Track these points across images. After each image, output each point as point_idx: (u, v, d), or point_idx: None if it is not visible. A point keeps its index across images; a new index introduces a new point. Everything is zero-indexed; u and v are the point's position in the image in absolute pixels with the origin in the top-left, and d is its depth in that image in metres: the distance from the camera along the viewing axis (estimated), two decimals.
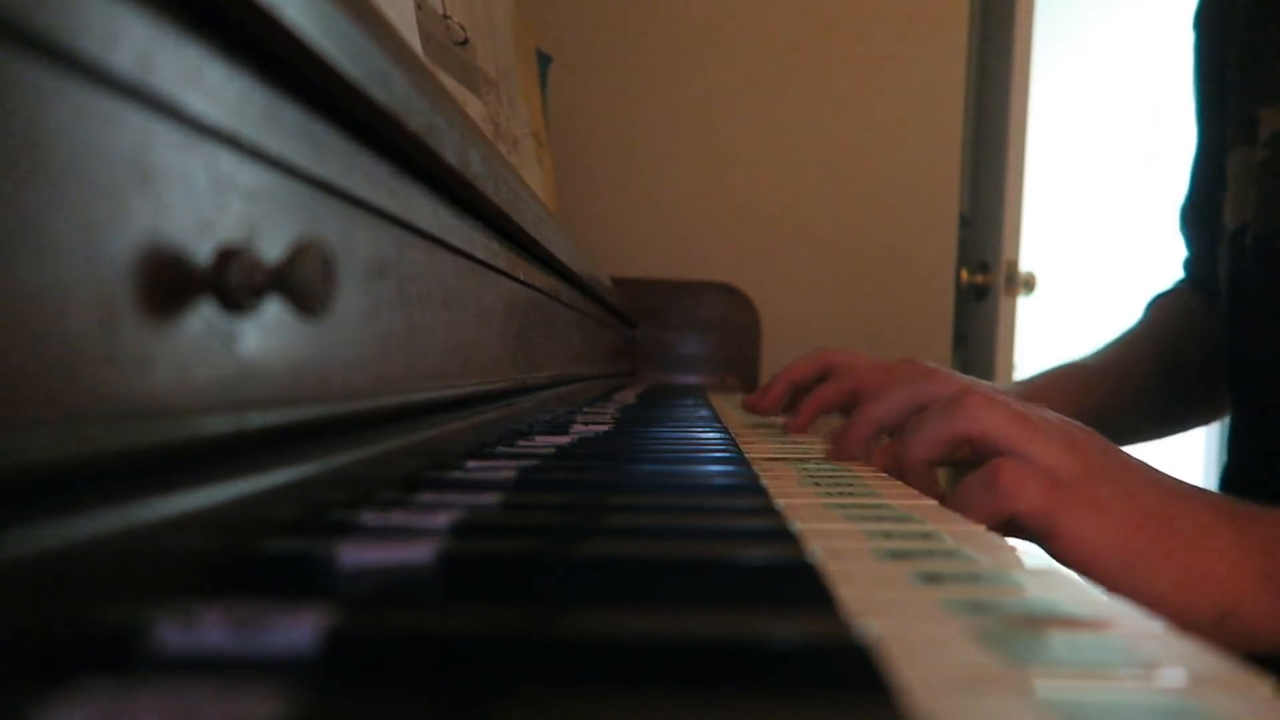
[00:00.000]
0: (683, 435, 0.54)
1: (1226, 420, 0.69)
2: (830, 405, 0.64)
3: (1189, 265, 0.79)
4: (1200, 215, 0.74)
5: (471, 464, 0.38)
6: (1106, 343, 0.80)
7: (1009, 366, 1.69)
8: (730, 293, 1.53)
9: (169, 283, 0.18)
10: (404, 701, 0.14)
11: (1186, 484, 0.42)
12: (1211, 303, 0.70)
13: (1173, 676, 0.16)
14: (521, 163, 0.86)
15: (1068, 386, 0.76)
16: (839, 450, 0.49)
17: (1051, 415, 0.43)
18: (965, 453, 0.43)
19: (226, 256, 0.20)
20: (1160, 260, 0.79)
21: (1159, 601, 0.39)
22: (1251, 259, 0.60)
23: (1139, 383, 0.76)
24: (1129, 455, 0.43)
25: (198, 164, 0.19)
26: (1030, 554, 0.25)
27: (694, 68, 1.57)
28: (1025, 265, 1.72)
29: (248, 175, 0.21)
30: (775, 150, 1.58)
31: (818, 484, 0.37)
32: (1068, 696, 0.15)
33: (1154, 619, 0.19)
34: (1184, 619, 0.38)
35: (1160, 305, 0.80)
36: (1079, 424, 0.43)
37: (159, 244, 0.18)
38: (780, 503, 0.31)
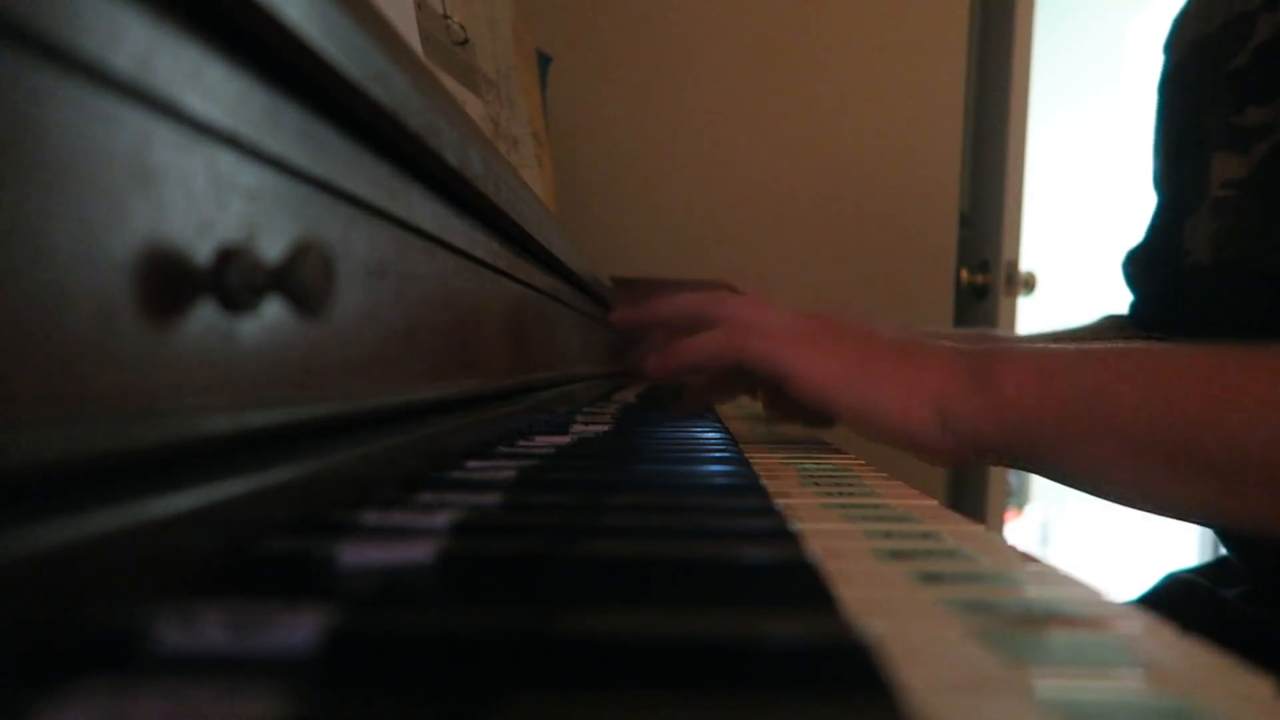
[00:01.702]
0: (683, 435, 0.54)
1: None
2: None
3: (1134, 309, 0.79)
4: (1153, 258, 0.75)
5: (471, 464, 0.38)
6: (1048, 330, 0.81)
7: None
8: (730, 293, 1.52)
9: (169, 283, 0.18)
10: (404, 701, 0.14)
11: (922, 337, 0.49)
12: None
13: (1171, 676, 0.16)
14: (521, 163, 0.86)
15: (974, 341, 0.79)
16: (613, 320, 0.60)
17: (820, 315, 0.51)
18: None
19: (226, 256, 0.20)
20: (1125, 280, 0.80)
21: (887, 411, 0.46)
22: (1207, 285, 0.62)
23: None
24: (873, 325, 0.51)
25: (198, 164, 0.19)
26: (1030, 554, 0.25)
27: (694, 68, 1.57)
28: (1025, 265, 1.72)
29: (248, 175, 0.21)
30: (776, 150, 1.58)
31: (818, 484, 0.37)
32: (1068, 696, 0.15)
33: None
34: (911, 428, 0.46)
35: (1109, 320, 0.81)
36: (836, 318, 0.51)
37: (159, 244, 0.18)
38: (780, 503, 0.31)
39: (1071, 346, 0.45)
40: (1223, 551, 0.68)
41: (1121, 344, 0.45)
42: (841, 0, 1.58)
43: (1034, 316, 1.97)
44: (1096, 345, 0.45)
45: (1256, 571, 0.61)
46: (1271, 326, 0.56)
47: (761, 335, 0.48)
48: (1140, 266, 0.77)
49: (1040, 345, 0.46)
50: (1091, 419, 0.42)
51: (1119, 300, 0.81)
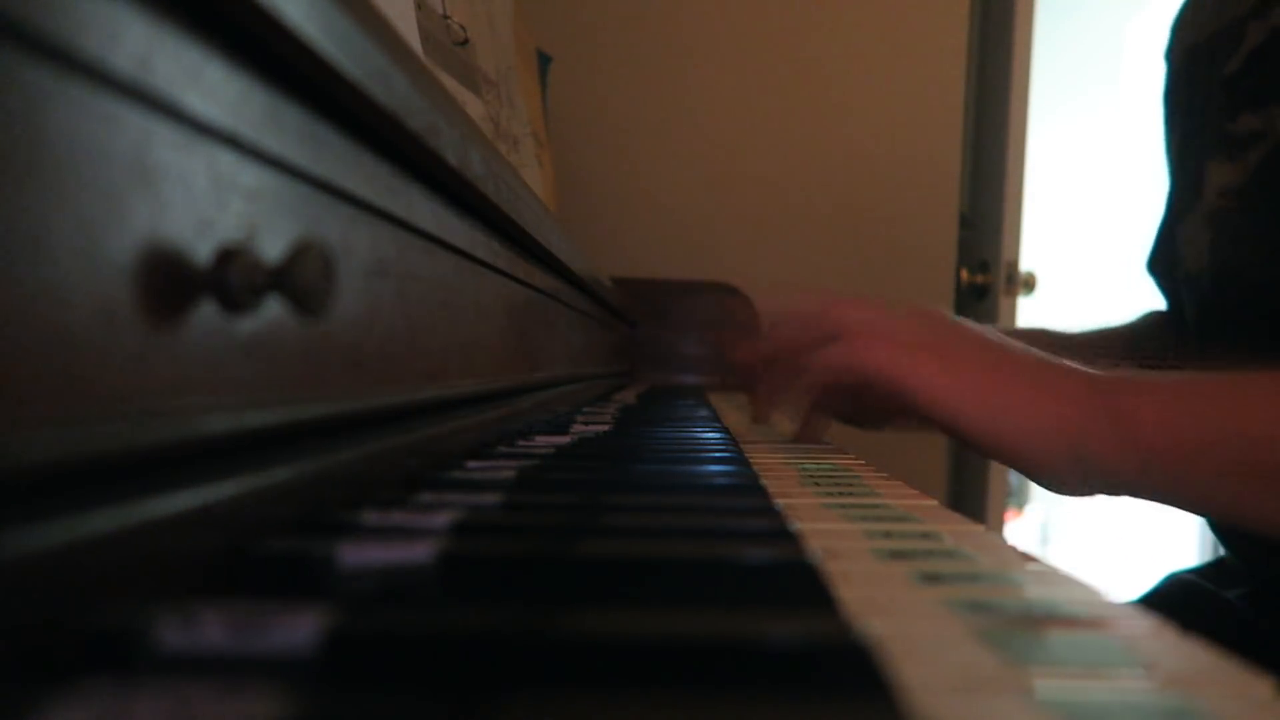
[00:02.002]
0: (683, 435, 0.54)
1: None
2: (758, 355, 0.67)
3: (1170, 303, 0.79)
4: (1163, 262, 0.75)
5: (471, 464, 0.38)
6: (1095, 326, 0.81)
7: None
8: (730, 293, 1.53)
9: (169, 283, 0.18)
10: (404, 701, 0.14)
11: (1042, 352, 0.47)
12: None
13: (1171, 676, 0.16)
14: (521, 163, 0.86)
15: (1030, 341, 0.79)
16: (734, 361, 0.57)
17: (930, 320, 0.49)
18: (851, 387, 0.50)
19: (226, 256, 0.20)
20: (1150, 279, 0.80)
21: (1018, 443, 0.44)
22: (1208, 295, 0.62)
23: (1091, 358, 0.78)
24: (993, 331, 0.48)
25: (198, 164, 0.19)
26: (1030, 554, 0.25)
27: (694, 68, 1.57)
28: (1025, 265, 1.72)
29: (248, 175, 0.21)
30: (775, 150, 1.58)
31: (818, 484, 0.37)
32: (1068, 696, 0.15)
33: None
34: (1042, 463, 0.44)
35: (1149, 316, 0.81)
36: (953, 319, 0.49)
37: (159, 244, 0.18)
38: (780, 503, 0.31)
39: (1208, 378, 0.44)
40: (1222, 552, 0.68)
41: (1256, 374, 0.44)
42: (841, 0, 1.58)
43: (1034, 317, 1.97)
44: (1233, 377, 0.44)
45: (1255, 573, 0.61)
46: (1269, 337, 0.56)
47: (883, 345, 0.46)
48: (1151, 269, 0.77)
49: (1175, 377, 0.45)
50: (1234, 457, 0.41)
51: (1118, 300, 0.81)
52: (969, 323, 0.49)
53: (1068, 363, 0.46)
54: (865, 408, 0.58)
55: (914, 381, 0.45)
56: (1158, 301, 0.81)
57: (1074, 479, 0.44)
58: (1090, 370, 0.46)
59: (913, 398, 0.45)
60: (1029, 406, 0.44)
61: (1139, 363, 0.75)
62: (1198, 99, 0.65)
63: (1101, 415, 0.43)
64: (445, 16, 0.70)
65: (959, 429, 0.45)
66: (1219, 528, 0.66)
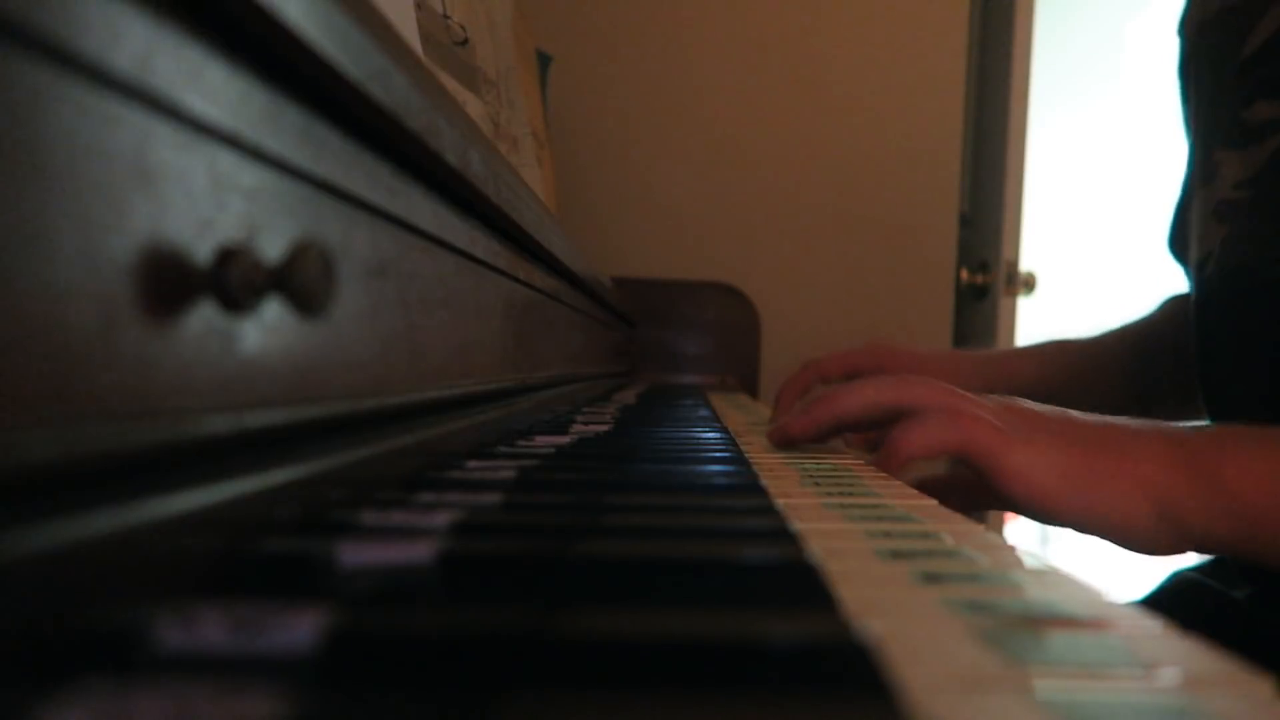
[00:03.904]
0: (683, 435, 0.54)
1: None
2: (798, 392, 0.65)
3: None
4: (1181, 243, 0.75)
5: (471, 464, 0.38)
6: (1111, 327, 0.81)
7: None
8: (730, 293, 1.53)
9: (169, 282, 0.18)
10: (404, 701, 0.14)
11: (1116, 418, 0.47)
12: None
13: (1172, 676, 0.16)
14: (521, 163, 0.86)
15: (1045, 358, 0.80)
16: (785, 432, 0.51)
17: (1017, 405, 0.48)
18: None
19: (226, 256, 0.20)
20: (1159, 260, 0.79)
21: (1107, 515, 0.44)
22: (1214, 288, 0.61)
23: (1111, 370, 0.78)
24: (1069, 412, 0.48)
25: (198, 164, 0.19)
26: (1030, 554, 0.25)
27: (694, 67, 1.57)
28: (1025, 265, 1.72)
29: (248, 175, 0.21)
30: (775, 150, 1.58)
31: (818, 484, 0.37)
32: (1068, 696, 0.15)
33: (1147, 622, 0.19)
34: (1131, 529, 0.43)
35: (1174, 302, 0.81)
36: (1026, 402, 0.49)
37: (159, 244, 0.18)
38: (780, 503, 0.31)
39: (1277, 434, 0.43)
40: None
41: None
42: (842, 0, 1.58)
43: (1034, 316, 1.97)
44: None
45: (1256, 570, 0.61)
46: (1269, 334, 0.56)
47: (983, 428, 0.45)
48: (1173, 248, 0.77)
49: (1258, 432, 0.44)
50: None
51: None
52: (1036, 406, 0.48)
53: (1148, 424, 0.46)
54: (951, 486, 0.57)
55: (1012, 467, 0.44)
56: (1168, 290, 0.80)
57: (1166, 541, 0.43)
58: (1171, 427, 0.45)
59: (1007, 481, 0.44)
60: (1112, 475, 0.43)
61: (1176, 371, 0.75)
62: (1208, 80, 0.63)
63: (1185, 473, 0.43)
64: (445, 16, 0.70)
65: (1047, 510, 0.44)
66: None
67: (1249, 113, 0.58)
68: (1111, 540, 0.45)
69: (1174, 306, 0.80)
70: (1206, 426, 0.45)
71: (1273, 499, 0.41)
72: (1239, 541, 0.43)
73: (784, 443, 0.51)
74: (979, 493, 0.52)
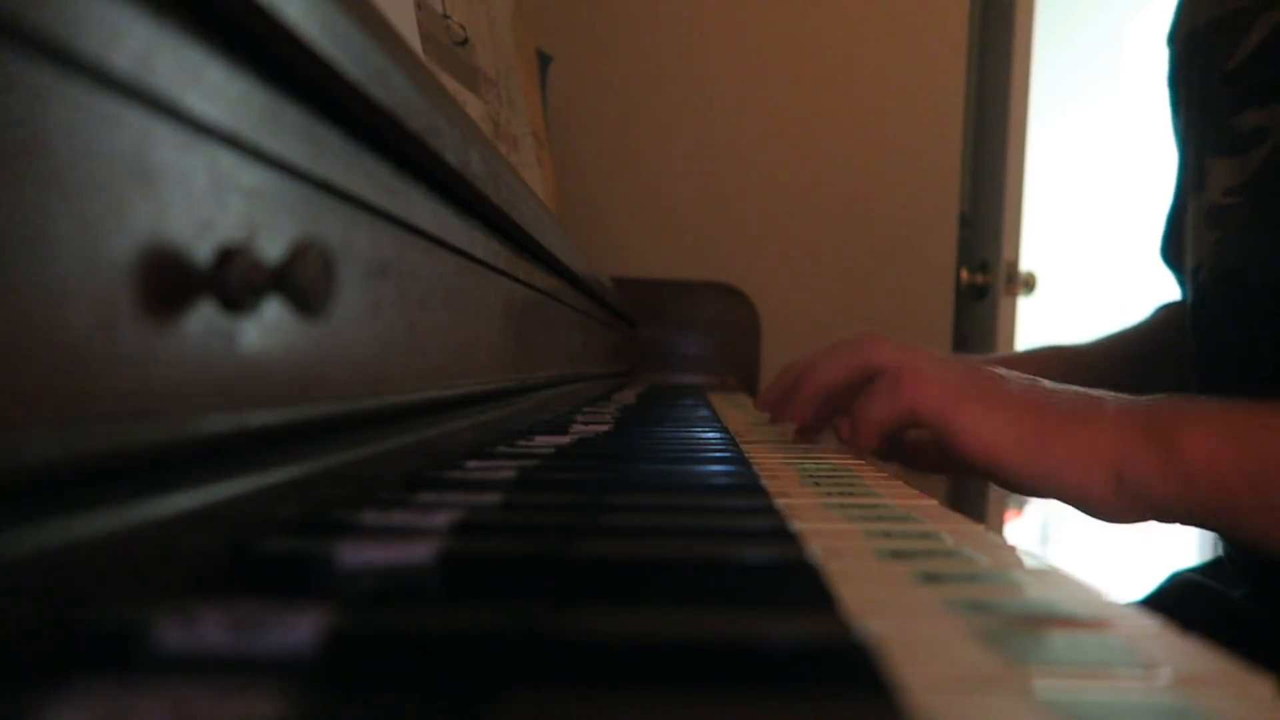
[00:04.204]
0: (683, 435, 0.54)
1: None
2: (784, 387, 0.66)
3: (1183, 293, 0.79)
4: (1174, 251, 0.75)
5: (471, 464, 0.38)
6: (1107, 334, 0.81)
7: None
8: (730, 293, 1.53)
9: (169, 282, 0.18)
10: (404, 701, 0.14)
11: (1082, 387, 0.48)
12: None
13: (1172, 676, 0.16)
14: (521, 163, 0.86)
15: (1039, 364, 0.80)
16: (778, 411, 0.55)
17: (968, 366, 0.49)
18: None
19: (226, 256, 0.20)
20: (1158, 261, 0.79)
21: (1060, 475, 0.44)
22: (1208, 294, 0.62)
23: (1108, 378, 0.78)
24: (1037, 379, 0.48)
25: (198, 164, 0.19)
26: (1030, 554, 0.25)
27: (694, 67, 1.57)
28: (1025, 265, 1.72)
29: (248, 175, 0.21)
30: (775, 150, 1.58)
31: (818, 484, 0.37)
32: (1068, 696, 0.15)
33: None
34: (1086, 491, 0.44)
35: (1167, 310, 0.81)
36: (991, 368, 0.49)
37: (159, 244, 0.18)
38: (780, 503, 0.31)
39: (1253, 407, 0.44)
40: (1221, 551, 0.68)
41: None
42: (842, 1, 1.58)
43: (1034, 317, 1.97)
44: (1267, 406, 0.44)
45: (1253, 568, 0.61)
46: (1266, 339, 0.56)
47: (928, 387, 0.46)
48: (1165, 256, 0.77)
49: (1218, 404, 0.45)
50: (1275, 488, 0.41)
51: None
52: (1005, 370, 0.49)
53: (1108, 393, 0.46)
54: (915, 450, 0.58)
55: (959, 424, 0.45)
56: (1166, 293, 0.80)
57: (1120, 506, 0.44)
58: (1130, 397, 0.46)
59: (957, 440, 0.45)
60: (1069, 438, 0.44)
61: (1149, 381, 0.75)
62: (1198, 89, 0.64)
63: (1141, 440, 0.43)
64: (445, 16, 0.70)
65: (1002, 470, 0.45)
66: None
67: (1239, 120, 0.58)
68: (1068, 503, 0.45)
69: (1167, 314, 0.80)
70: (1169, 397, 0.45)
71: (1222, 470, 0.42)
72: (1191, 509, 0.43)
73: (797, 435, 0.53)
74: (931, 452, 0.54)
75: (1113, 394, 0.46)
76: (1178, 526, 0.45)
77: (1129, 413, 0.44)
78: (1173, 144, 0.72)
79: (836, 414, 0.55)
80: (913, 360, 0.48)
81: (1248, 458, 0.42)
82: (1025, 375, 0.49)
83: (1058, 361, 0.79)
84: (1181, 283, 0.77)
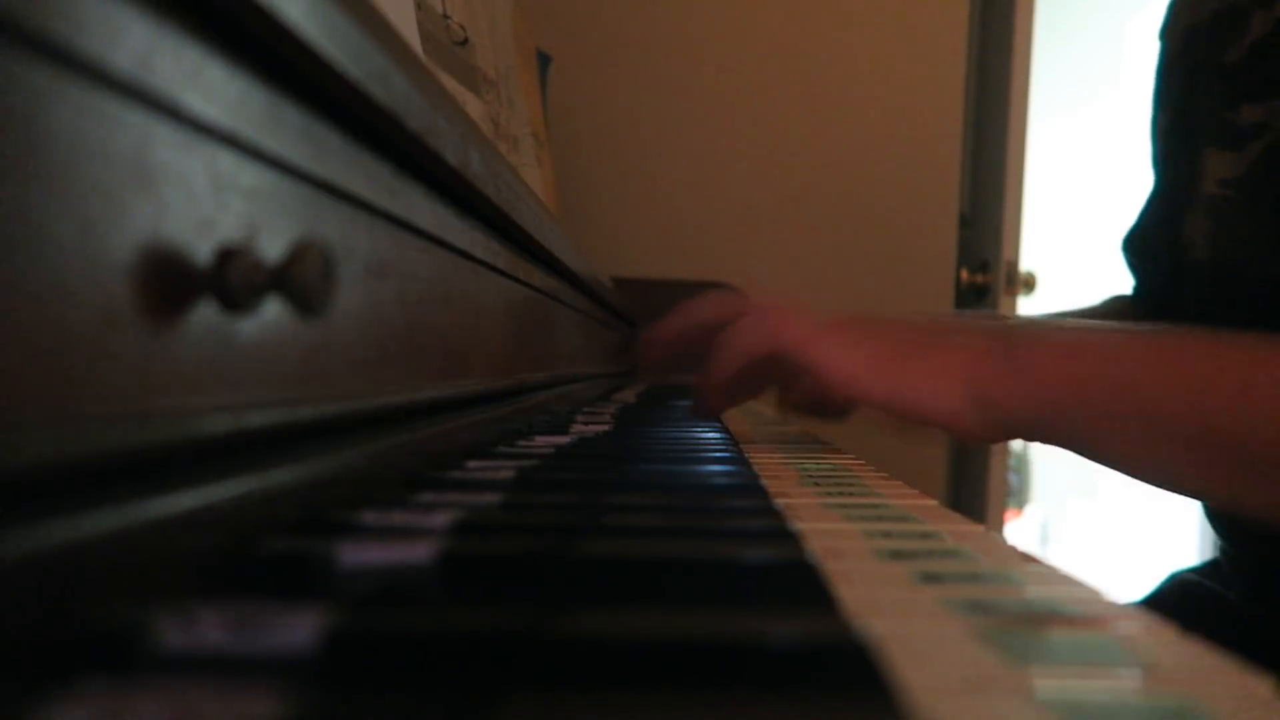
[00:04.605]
0: (682, 435, 0.54)
1: None
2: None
3: (1137, 291, 0.79)
4: (1149, 245, 0.75)
5: (471, 464, 0.38)
6: (1060, 311, 0.81)
7: None
8: (730, 293, 1.52)
9: (169, 282, 0.18)
10: (404, 701, 0.14)
11: (947, 315, 0.49)
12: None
13: (1171, 676, 0.16)
14: (521, 163, 0.86)
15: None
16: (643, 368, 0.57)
17: (845, 312, 0.50)
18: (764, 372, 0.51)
19: (226, 256, 0.20)
20: (1125, 259, 0.80)
21: (916, 395, 0.45)
22: (1200, 286, 0.62)
23: None
24: (906, 317, 0.50)
25: (198, 164, 0.19)
26: (1030, 554, 0.25)
27: (694, 68, 1.57)
28: (1025, 265, 1.72)
29: (248, 175, 0.21)
30: (775, 150, 1.58)
31: (818, 484, 0.37)
32: (1068, 696, 0.15)
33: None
34: (942, 408, 0.45)
35: (1114, 301, 0.81)
36: (867, 313, 0.51)
37: (159, 244, 0.18)
38: (780, 503, 0.31)
39: (1101, 328, 0.45)
40: (1218, 551, 0.68)
41: (1150, 329, 0.45)
42: (842, 1, 1.58)
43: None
44: (1126, 328, 0.45)
45: (1249, 562, 0.61)
46: (1270, 329, 0.56)
47: (793, 323, 0.48)
48: (1137, 250, 0.77)
49: (1070, 325, 0.46)
50: (1119, 403, 0.42)
51: (1120, 288, 0.81)
52: (879, 313, 0.51)
53: (966, 318, 0.48)
54: (800, 393, 0.59)
55: (821, 356, 0.46)
56: (1124, 286, 0.81)
57: (978, 425, 0.45)
58: (987, 320, 0.48)
59: (820, 372, 0.46)
60: (924, 361, 0.45)
61: None
62: (1195, 84, 0.64)
63: (997, 359, 0.44)
64: (445, 16, 0.70)
65: (861, 395, 0.46)
66: (1213, 515, 0.66)
67: (1235, 116, 0.59)
68: (927, 422, 0.46)
69: (1119, 305, 0.80)
70: (1025, 319, 0.47)
71: (1072, 388, 0.43)
72: (1039, 425, 0.44)
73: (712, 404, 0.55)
74: (805, 392, 0.55)
75: (972, 319, 0.48)
76: (1053, 449, 0.46)
77: (985, 334, 0.46)
78: (1149, 139, 0.73)
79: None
80: (782, 302, 0.50)
81: (1082, 369, 0.43)
82: (899, 315, 0.50)
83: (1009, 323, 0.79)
84: (1138, 276, 0.77)
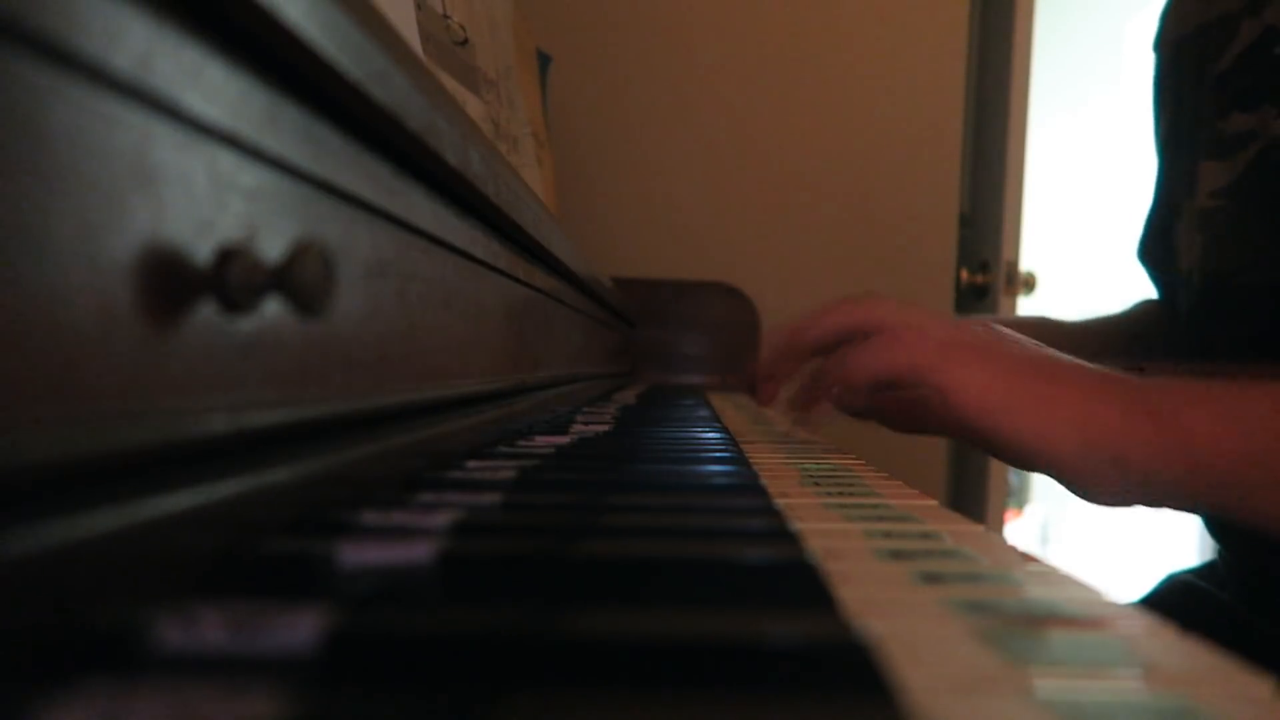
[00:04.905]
0: (683, 435, 0.54)
1: None
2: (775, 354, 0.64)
3: (1161, 294, 0.79)
4: (1154, 257, 0.75)
5: (471, 464, 0.38)
6: (1094, 316, 0.81)
7: None
8: (730, 293, 1.53)
9: (169, 283, 0.18)
10: (404, 701, 0.14)
11: (1084, 362, 0.46)
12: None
13: (1171, 676, 0.16)
14: (521, 163, 0.86)
15: (1031, 330, 0.77)
16: (761, 377, 0.54)
17: (973, 327, 0.47)
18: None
19: (226, 256, 0.20)
20: (1143, 269, 0.80)
21: (1056, 447, 0.42)
22: (1202, 298, 0.61)
23: (1095, 349, 0.77)
24: (1042, 345, 0.47)
25: (198, 164, 0.19)
26: (1030, 554, 0.25)
27: (694, 67, 1.57)
28: (1025, 265, 1.72)
29: (248, 175, 0.21)
30: (775, 150, 1.58)
31: (818, 484, 0.37)
32: (1068, 696, 0.15)
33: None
34: (1084, 466, 0.42)
35: (1145, 305, 0.81)
36: (996, 326, 0.48)
37: (159, 244, 0.18)
38: (780, 503, 0.31)
39: (1251, 386, 0.43)
40: (1214, 554, 0.68)
41: None
42: (842, 1, 1.58)
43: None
44: (1270, 391, 0.42)
45: (1246, 569, 0.61)
46: (1263, 340, 0.56)
47: (925, 345, 0.44)
48: (1145, 259, 0.77)
49: (1222, 384, 0.43)
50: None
51: (1118, 300, 0.81)
52: (1009, 331, 0.47)
53: (1112, 370, 0.45)
54: (900, 409, 0.55)
55: (956, 382, 0.43)
56: (1150, 291, 0.81)
57: (1113, 487, 0.42)
58: (1134, 376, 0.44)
59: (954, 399, 0.43)
60: (1073, 411, 0.42)
61: (1140, 360, 0.74)
62: (1187, 94, 0.64)
63: (1147, 421, 0.42)
64: (445, 16, 0.70)
65: (998, 435, 0.43)
66: (1210, 522, 0.66)
67: (1226, 124, 0.59)
68: (1056, 475, 0.43)
69: (1147, 308, 0.80)
70: (1171, 378, 0.44)
71: (1227, 454, 0.41)
72: (1193, 491, 0.42)
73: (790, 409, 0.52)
74: (920, 413, 0.51)
75: (1119, 371, 0.45)
76: (1166, 511, 0.44)
77: (1134, 391, 0.43)
78: (1153, 148, 0.73)
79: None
80: (911, 316, 0.47)
81: (1253, 439, 0.41)
82: (1028, 338, 0.47)
83: (1046, 332, 0.78)
84: (1158, 283, 0.77)
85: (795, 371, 0.53)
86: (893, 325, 0.46)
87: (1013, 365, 0.44)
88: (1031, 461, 0.43)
